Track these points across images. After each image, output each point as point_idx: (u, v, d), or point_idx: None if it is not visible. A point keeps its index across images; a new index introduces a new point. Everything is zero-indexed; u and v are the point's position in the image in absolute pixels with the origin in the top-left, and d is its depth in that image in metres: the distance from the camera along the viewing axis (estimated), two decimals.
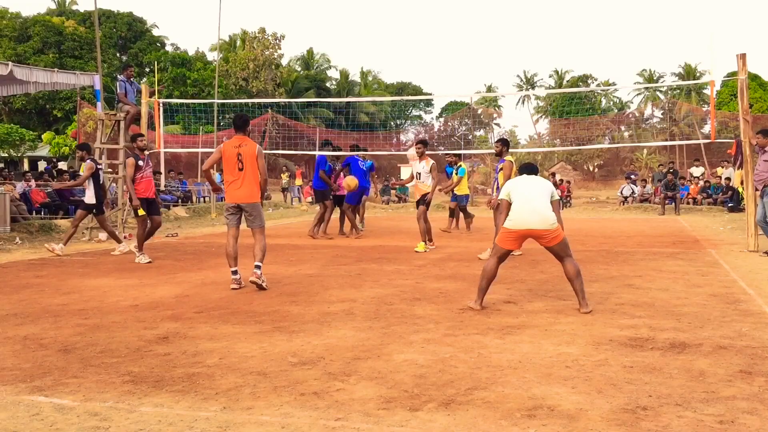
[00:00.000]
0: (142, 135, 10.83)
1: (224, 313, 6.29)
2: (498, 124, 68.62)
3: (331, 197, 13.72)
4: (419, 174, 11.45)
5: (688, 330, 5.38)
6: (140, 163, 10.28)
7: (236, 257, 7.66)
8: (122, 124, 14.52)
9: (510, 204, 6.54)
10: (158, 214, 10.74)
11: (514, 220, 6.44)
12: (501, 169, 10.13)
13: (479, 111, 65.62)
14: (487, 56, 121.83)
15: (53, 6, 57.62)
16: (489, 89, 69.66)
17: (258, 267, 7.45)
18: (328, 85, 63.86)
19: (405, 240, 12.87)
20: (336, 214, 14.52)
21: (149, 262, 9.96)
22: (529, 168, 6.93)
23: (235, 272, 7.62)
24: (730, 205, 20.43)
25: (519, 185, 6.61)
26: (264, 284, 7.44)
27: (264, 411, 3.66)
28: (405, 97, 64.11)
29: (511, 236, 6.52)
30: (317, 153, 15.07)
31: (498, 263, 6.59)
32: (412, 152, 14.45)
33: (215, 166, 8.11)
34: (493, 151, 11.55)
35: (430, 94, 70.52)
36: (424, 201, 11.35)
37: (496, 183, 10.37)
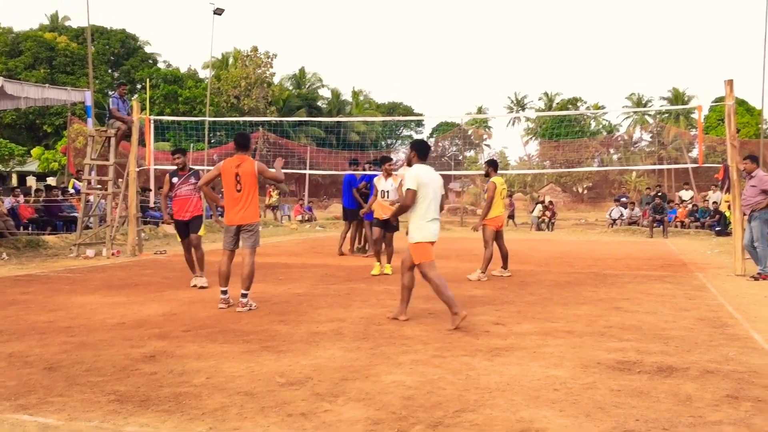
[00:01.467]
0: (177, 153, 9.85)
1: (212, 331, 6.25)
2: (488, 145, 68.97)
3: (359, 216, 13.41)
4: (387, 192, 10.70)
5: (675, 354, 5.40)
6: (174, 180, 9.62)
7: (228, 278, 7.63)
8: (113, 140, 14.50)
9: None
10: (194, 232, 9.60)
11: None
12: (486, 189, 10.37)
13: (470, 132, 65.94)
14: (478, 78, 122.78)
15: (46, 21, 57.63)
16: (479, 110, 70.04)
17: (244, 296, 7.40)
18: (319, 104, 64.01)
19: (395, 260, 12.86)
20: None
21: (203, 287, 9.15)
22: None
23: (224, 292, 7.58)
24: (717, 229, 20.56)
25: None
26: (252, 307, 7.44)
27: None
28: (396, 117, 64.30)
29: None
30: (307, 172, 15.12)
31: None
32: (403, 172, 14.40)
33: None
34: (480, 172, 11.58)
35: (421, 115, 70.71)
36: (387, 224, 10.36)
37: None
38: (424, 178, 6.68)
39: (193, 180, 9.51)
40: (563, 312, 7.35)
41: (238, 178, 7.43)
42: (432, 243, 6.73)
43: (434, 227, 6.71)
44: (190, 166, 9.83)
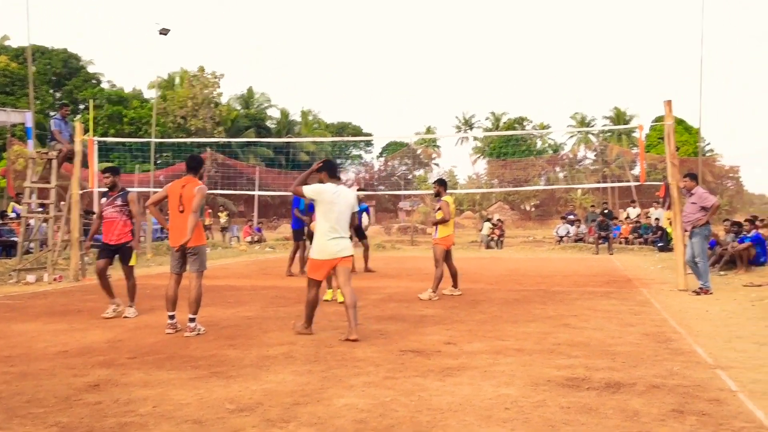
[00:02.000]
0: (106, 171, 9.11)
1: (159, 358, 6.11)
2: (437, 164, 69.70)
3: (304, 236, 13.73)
4: None
5: (622, 369, 5.50)
6: (102, 200, 9.05)
7: (175, 302, 7.47)
8: (54, 162, 14.15)
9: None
10: (125, 263, 8.85)
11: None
12: (439, 208, 10.36)
13: (419, 151, 66.57)
14: (426, 97, 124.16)
15: None
16: (428, 130, 70.68)
17: (192, 320, 7.28)
18: (268, 123, 63.70)
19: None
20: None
21: (126, 316, 8.63)
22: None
23: (171, 317, 7.43)
24: (659, 245, 21.10)
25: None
26: (201, 331, 7.31)
27: None
28: (345, 138, 64.48)
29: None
30: (256, 193, 15.10)
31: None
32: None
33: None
34: (430, 191, 11.63)
35: (370, 135, 70.96)
36: None
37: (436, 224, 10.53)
38: (329, 195, 6.99)
39: (119, 201, 8.75)
40: (513, 330, 7.42)
41: (181, 200, 7.34)
42: (326, 261, 7.04)
43: (334, 244, 6.98)
44: (123, 187, 9.04)
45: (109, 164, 12.97)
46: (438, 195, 10.57)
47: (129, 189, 9.28)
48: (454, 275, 10.64)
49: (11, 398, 4.79)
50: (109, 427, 4.12)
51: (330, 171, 7.23)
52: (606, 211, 23.93)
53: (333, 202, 6.94)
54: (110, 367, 5.77)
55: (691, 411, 4.35)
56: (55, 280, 13.14)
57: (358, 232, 14.87)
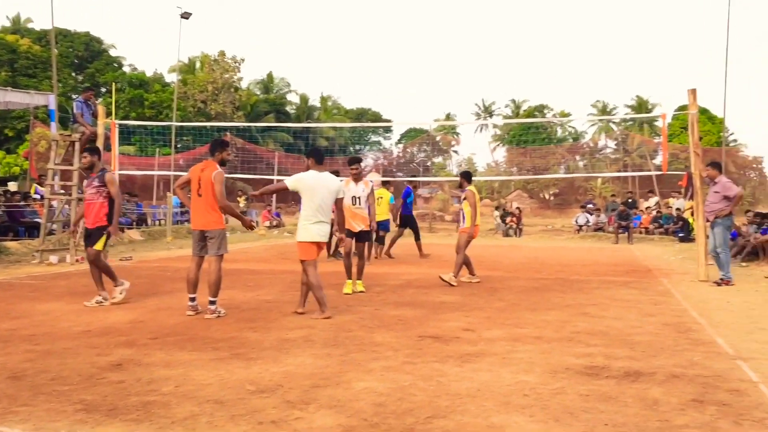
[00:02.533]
0: (85, 152, 8.73)
1: (180, 339, 6.18)
2: (456, 152, 69.41)
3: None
4: (358, 198, 9.57)
5: (641, 359, 5.48)
6: (84, 182, 8.79)
7: (196, 284, 7.54)
8: (77, 145, 14.27)
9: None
10: (90, 245, 8.29)
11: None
12: (465, 198, 10.49)
13: (438, 138, 66.27)
14: (446, 84, 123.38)
15: (7, 23, 56.55)
16: (447, 117, 70.40)
17: (212, 303, 7.38)
18: (287, 109, 63.75)
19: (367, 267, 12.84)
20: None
21: (99, 303, 8.15)
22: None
23: (192, 299, 7.51)
24: (680, 235, 20.92)
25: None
26: (221, 314, 7.39)
27: None
28: (364, 124, 64.50)
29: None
30: (275, 177, 15.28)
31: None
32: (375, 178, 14.42)
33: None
34: (449, 178, 11.87)
35: (390, 121, 70.92)
36: (360, 234, 9.60)
37: (461, 213, 10.71)
38: (309, 181, 7.42)
39: (96, 182, 8.27)
40: (532, 318, 7.41)
41: (200, 182, 7.42)
42: (315, 243, 7.48)
43: (317, 229, 7.43)
44: (103, 167, 8.53)
45: (131, 147, 13.03)
46: (461, 187, 10.76)
47: (151, 172, 9.35)
48: (467, 263, 10.71)
49: (36, 376, 4.87)
50: (132, 405, 4.18)
51: (317, 158, 7.68)
52: (630, 200, 23.73)
53: (314, 188, 7.41)
54: (132, 347, 5.84)
55: (711, 401, 4.33)
56: (77, 261, 13.30)
57: (407, 220, 15.57)
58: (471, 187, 10.52)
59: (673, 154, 38.23)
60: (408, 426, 3.82)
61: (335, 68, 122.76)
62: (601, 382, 4.76)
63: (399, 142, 74.17)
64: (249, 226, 8.01)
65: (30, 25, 56.20)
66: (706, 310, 7.98)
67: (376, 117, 71.54)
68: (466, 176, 10.86)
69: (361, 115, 71.56)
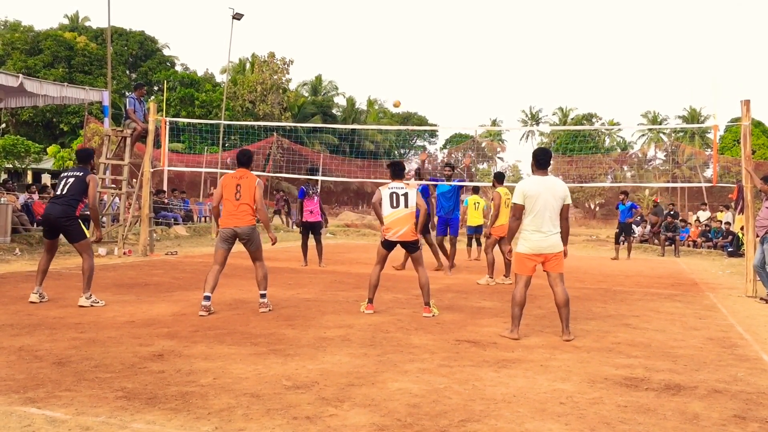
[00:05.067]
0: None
1: (220, 333, 6.28)
2: (501, 158, 68.90)
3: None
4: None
5: (683, 372, 5.37)
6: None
7: (215, 285, 7.49)
8: (128, 140, 14.62)
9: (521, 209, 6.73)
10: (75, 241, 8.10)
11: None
12: (492, 198, 11.16)
13: (483, 144, 65.92)
14: (493, 90, 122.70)
15: (66, 21, 58.20)
16: (494, 123, 70.00)
17: (263, 296, 7.66)
18: (334, 111, 64.15)
19: (406, 270, 12.86)
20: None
21: (81, 306, 7.52)
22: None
23: (207, 297, 7.34)
24: (729, 249, 20.42)
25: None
26: (269, 308, 7.63)
27: None
28: (410, 127, 64.35)
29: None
30: (320, 178, 15.20)
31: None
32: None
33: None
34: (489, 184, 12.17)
35: (435, 126, 70.64)
36: (416, 245, 8.04)
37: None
38: (530, 190, 6.66)
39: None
40: (572, 326, 7.31)
41: (238, 188, 7.61)
42: (528, 256, 6.89)
43: (535, 238, 6.90)
44: (89, 170, 8.31)
45: (181, 145, 13.25)
46: (494, 187, 11.26)
47: (199, 169, 9.56)
48: (490, 264, 11.09)
49: (80, 362, 5.00)
50: (171, 395, 4.27)
51: (501, 179, 9.59)
52: (673, 212, 23.24)
53: (535, 196, 6.74)
54: (174, 338, 5.96)
55: (753, 418, 4.22)
56: (124, 253, 13.61)
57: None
58: (500, 189, 10.95)
59: (725, 166, 37.30)
60: (441, 428, 3.82)
61: (382, 72, 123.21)
62: (640, 394, 4.68)
63: (444, 147, 74.00)
64: (272, 240, 7.85)
65: (87, 24, 57.81)
66: (753, 327, 7.77)
67: (422, 121, 71.55)
68: (498, 177, 11.35)
69: (406, 118, 71.63)
